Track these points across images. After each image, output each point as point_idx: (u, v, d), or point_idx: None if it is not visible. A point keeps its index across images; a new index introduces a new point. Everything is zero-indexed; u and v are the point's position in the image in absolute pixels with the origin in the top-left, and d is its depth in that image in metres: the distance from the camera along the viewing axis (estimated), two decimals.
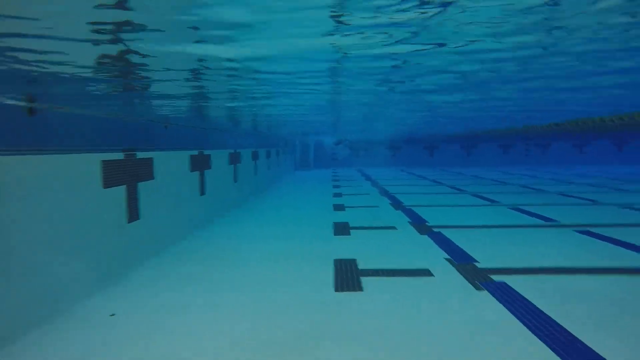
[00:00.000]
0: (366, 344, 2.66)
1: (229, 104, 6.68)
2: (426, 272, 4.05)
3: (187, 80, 4.49)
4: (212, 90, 5.28)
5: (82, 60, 3.31)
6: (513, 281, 3.72)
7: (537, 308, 3.14)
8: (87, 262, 3.70)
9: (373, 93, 6.20)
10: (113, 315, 3.18)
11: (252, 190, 10.85)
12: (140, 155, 4.80)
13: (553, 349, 2.53)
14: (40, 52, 3.02)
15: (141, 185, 4.78)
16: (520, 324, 2.87)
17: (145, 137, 5.70)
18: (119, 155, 4.33)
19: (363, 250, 4.95)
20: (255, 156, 11.51)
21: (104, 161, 4.01)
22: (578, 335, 2.69)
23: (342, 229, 6.24)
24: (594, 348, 2.53)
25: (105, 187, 4.02)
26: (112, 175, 4.13)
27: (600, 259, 4.40)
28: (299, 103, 7.21)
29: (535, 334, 2.73)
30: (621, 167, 20.11)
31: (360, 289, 3.64)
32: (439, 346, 2.60)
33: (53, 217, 3.31)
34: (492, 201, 9.01)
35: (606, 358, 2.41)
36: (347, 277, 3.96)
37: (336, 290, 3.62)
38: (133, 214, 4.57)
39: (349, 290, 3.61)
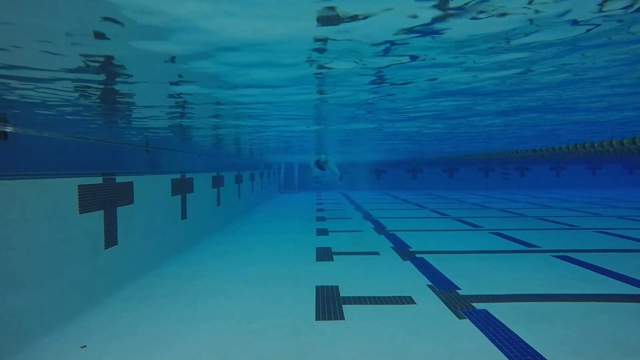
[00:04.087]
0: None
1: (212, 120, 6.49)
2: (408, 300, 4.02)
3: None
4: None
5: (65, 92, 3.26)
6: (494, 309, 3.72)
7: (518, 336, 3.13)
8: (59, 290, 3.55)
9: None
10: (84, 347, 3.04)
11: (236, 214, 10.73)
12: (120, 179, 4.72)
13: None
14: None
15: (120, 210, 4.67)
16: (501, 354, 2.86)
17: (125, 160, 5.62)
18: (97, 180, 4.25)
19: (346, 276, 4.91)
20: (238, 179, 11.44)
21: (80, 186, 3.92)
22: None
23: (324, 254, 6.19)
24: None
25: (81, 212, 3.91)
26: (88, 200, 4.03)
27: (579, 284, 4.45)
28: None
29: None
30: (596, 191, 20.74)
31: (342, 317, 3.58)
32: None
33: (19, 243, 3.19)
34: (475, 226, 9.11)
35: None
36: (329, 304, 3.90)
37: (317, 319, 3.55)
38: (110, 239, 4.45)
39: (330, 319, 3.55)
